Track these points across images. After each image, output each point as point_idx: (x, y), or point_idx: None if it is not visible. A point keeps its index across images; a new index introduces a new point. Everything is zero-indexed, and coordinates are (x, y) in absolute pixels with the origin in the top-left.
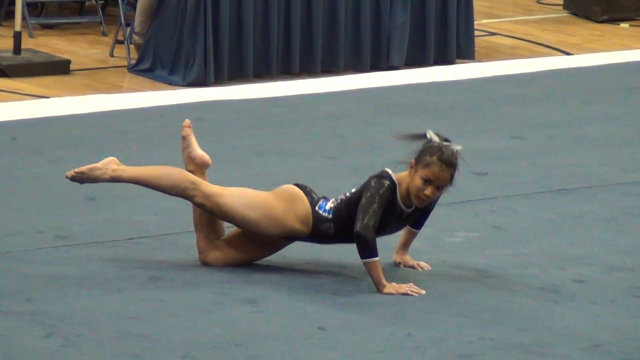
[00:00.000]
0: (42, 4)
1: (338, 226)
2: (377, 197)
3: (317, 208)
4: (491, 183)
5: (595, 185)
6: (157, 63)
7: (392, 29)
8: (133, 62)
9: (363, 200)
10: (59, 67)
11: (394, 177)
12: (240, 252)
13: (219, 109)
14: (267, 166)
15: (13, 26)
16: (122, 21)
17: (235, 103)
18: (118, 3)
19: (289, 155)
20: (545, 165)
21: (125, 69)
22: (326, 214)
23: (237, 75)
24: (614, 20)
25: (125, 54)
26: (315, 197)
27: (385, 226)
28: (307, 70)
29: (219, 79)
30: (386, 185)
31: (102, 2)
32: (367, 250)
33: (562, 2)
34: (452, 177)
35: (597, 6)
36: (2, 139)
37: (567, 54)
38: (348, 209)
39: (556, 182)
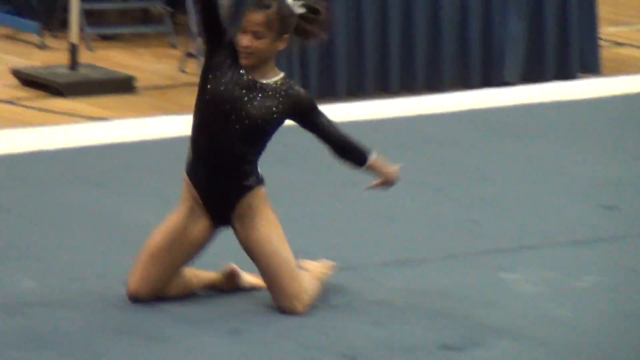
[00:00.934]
0: (102, 11)
1: None
2: None
3: None
4: (621, 218)
5: None
6: None
7: (505, 40)
8: None
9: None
10: (122, 85)
11: None
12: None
13: (307, 133)
14: (365, 200)
15: (68, 38)
16: (194, 31)
17: None
18: (188, 10)
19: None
20: None
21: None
22: None
23: (328, 94)
24: None
25: (197, 70)
26: None
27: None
28: (407, 87)
29: None
30: None
31: (171, 9)
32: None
33: None
34: (269, 20)
35: None
36: (57, 169)
37: None
38: None
39: None
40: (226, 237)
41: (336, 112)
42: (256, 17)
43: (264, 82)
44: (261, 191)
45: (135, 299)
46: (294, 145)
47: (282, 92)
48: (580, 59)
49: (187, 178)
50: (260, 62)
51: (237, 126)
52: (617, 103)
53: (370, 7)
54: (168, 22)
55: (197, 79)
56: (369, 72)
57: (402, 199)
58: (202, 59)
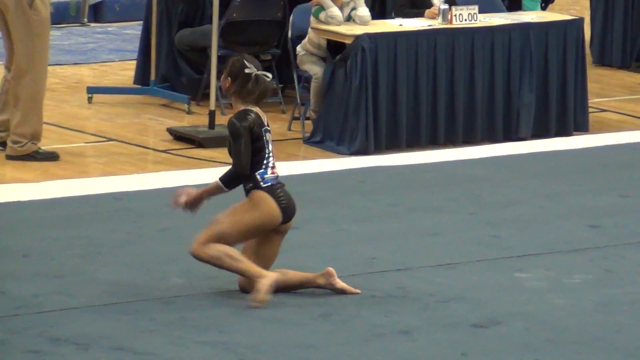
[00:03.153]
0: None
1: None
2: None
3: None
4: (603, 234)
5: None
6: (327, 136)
7: (521, 106)
8: (307, 135)
9: None
10: None
11: None
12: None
13: (379, 174)
14: (418, 220)
15: (208, 106)
16: (298, 101)
17: (391, 168)
18: (295, 87)
19: (436, 212)
20: None
21: (301, 141)
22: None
23: (393, 145)
24: None
25: (300, 128)
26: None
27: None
28: (451, 140)
29: (378, 149)
30: None
31: (282, 85)
32: None
33: None
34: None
35: None
36: None
37: None
38: None
39: None
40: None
41: (399, 158)
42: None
43: None
44: (254, 193)
45: (243, 289)
46: (366, 182)
47: None
48: (574, 120)
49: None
50: None
51: None
52: (602, 152)
53: (425, 79)
54: (280, 95)
55: (299, 136)
56: (423, 129)
57: (444, 220)
58: (305, 121)
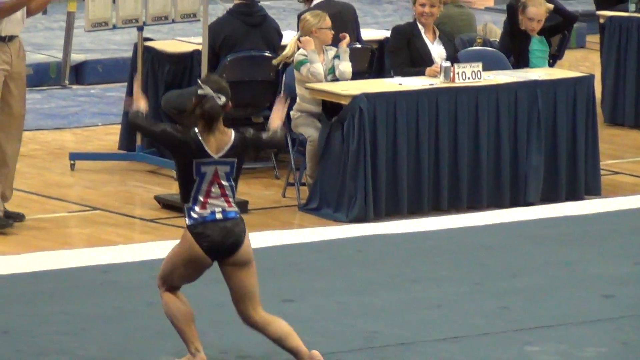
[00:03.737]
0: None
1: None
2: None
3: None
4: (617, 304)
5: None
6: (324, 202)
7: (529, 169)
8: (302, 202)
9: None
10: (240, 207)
11: None
12: None
13: (378, 242)
14: (420, 292)
15: None
16: (293, 166)
17: (392, 237)
18: (289, 151)
19: (439, 282)
20: None
21: (296, 208)
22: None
23: (394, 211)
24: None
25: (295, 195)
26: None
27: None
28: (454, 206)
29: (378, 215)
30: None
31: (275, 150)
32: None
33: None
34: None
35: None
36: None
37: None
38: None
39: None
40: None
41: (400, 226)
42: None
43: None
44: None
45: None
46: (365, 251)
47: None
48: (586, 184)
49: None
50: None
51: None
52: (615, 218)
53: (427, 141)
54: (273, 160)
55: (294, 202)
56: (425, 195)
57: (448, 291)
58: (301, 187)
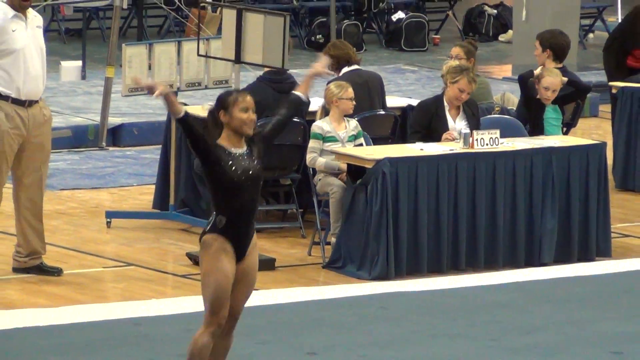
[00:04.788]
0: None
1: None
2: None
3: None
4: None
5: None
6: (347, 260)
7: (543, 232)
8: (327, 260)
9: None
10: (267, 264)
11: None
12: None
13: (400, 299)
14: (439, 347)
15: None
16: (318, 226)
17: (413, 294)
18: (315, 211)
19: (457, 338)
20: None
21: (321, 266)
22: None
23: (414, 270)
24: None
25: (320, 253)
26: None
27: None
28: (472, 265)
29: (399, 274)
30: None
31: (302, 210)
32: None
33: None
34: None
35: None
36: None
37: None
38: None
39: None
40: None
41: (421, 284)
42: (250, 99)
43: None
44: None
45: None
46: (388, 307)
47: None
48: (597, 246)
49: (219, 237)
50: None
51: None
52: (625, 278)
53: (446, 204)
54: (300, 220)
55: (319, 261)
56: (444, 255)
57: (465, 347)
58: (326, 246)
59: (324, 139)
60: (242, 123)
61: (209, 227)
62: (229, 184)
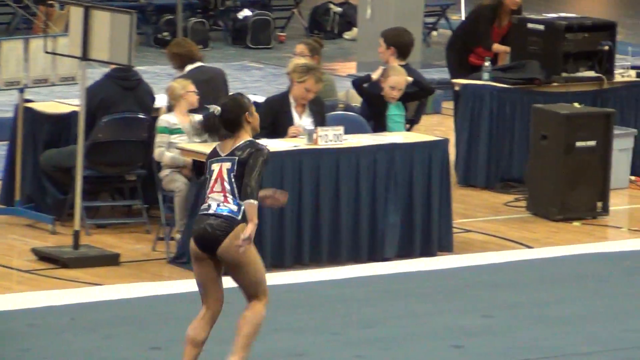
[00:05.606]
0: (97, 207)
1: None
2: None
3: None
4: (466, 354)
5: (552, 356)
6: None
7: (386, 227)
8: (172, 255)
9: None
10: (110, 260)
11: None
12: None
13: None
14: (282, 341)
15: (73, 226)
16: (163, 222)
17: None
18: (159, 207)
19: (300, 332)
20: (511, 339)
21: (165, 261)
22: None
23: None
24: (568, 219)
25: (165, 249)
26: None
27: None
28: (315, 261)
29: None
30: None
31: (147, 206)
32: None
33: (525, 205)
34: None
35: (553, 207)
36: (62, 319)
37: (529, 247)
38: None
39: (521, 353)
40: None
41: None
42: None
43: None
44: None
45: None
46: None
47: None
48: (439, 241)
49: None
50: None
51: None
52: (466, 273)
53: (290, 200)
54: (145, 215)
55: (164, 256)
56: (288, 250)
57: (308, 340)
58: (170, 242)
59: (171, 131)
60: (258, 121)
61: (241, 217)
62: None
